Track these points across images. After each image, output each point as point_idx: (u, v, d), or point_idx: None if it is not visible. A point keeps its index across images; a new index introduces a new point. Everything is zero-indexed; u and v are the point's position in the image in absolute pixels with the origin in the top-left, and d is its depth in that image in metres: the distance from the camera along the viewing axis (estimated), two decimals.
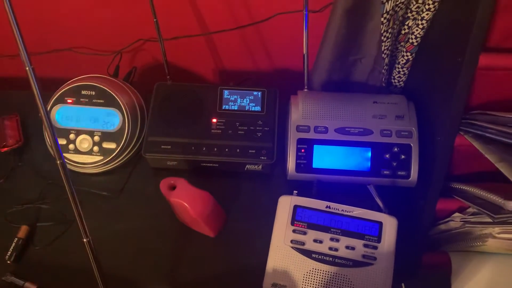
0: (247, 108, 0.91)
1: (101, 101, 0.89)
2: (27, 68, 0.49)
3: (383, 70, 0.94)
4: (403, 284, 0.81)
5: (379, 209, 0.79)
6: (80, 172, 0.91)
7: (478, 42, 0.66)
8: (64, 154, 0.89)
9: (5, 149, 0.94)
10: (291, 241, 0.77)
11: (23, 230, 0.85)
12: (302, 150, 0.85)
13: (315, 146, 0.85)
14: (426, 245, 0.89)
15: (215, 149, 0.87)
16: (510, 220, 0.77)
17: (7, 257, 0.82)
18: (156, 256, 0.83)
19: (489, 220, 0.79)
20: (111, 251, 0.80)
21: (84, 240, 0.61)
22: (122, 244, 0.84)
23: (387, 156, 0.84)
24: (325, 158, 0.85)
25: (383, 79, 0.96)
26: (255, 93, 0.92)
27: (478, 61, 0.67)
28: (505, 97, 0.72)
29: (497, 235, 0.81)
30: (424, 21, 0.82)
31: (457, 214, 0.83)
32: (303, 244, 0.77)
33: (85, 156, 0.89)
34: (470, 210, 0.82)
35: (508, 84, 0.71)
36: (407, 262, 0.81)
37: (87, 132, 0.89)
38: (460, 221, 0.83)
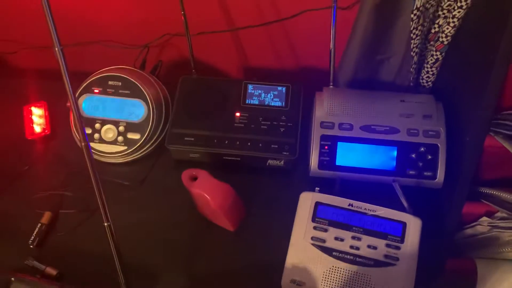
0: (271, 103, 0.90)
1: (127, 92, 0.90)
2: (56, 49, 0.50)
3: (411, 69, 0.92)
4: None
5: (403, 209, 0.78)
6: (104, 161, 0.92)
7: None
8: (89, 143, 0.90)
9: (32, 137, 0.96)
10: (312, 238, 0.75)
11: (46, 216, 0.86)
12: (326, 147, 0.84)
13: (339, 143, 0.84)
14: (451, 249, 0.86)
15: (238, 143, 0.87)
16: None
17: (30, 241, 0.83)
18: (175, 247, 0.83)
19: None
20: (131, 240, 0.80)
21: (105, 224, 0.61)
22: (142, 234, 0.85)
23: (413, 155, 0.82)
24: (349, 155, 0.84)
25: (411, 78, 0.94)
26: (279, 88, 0.91)
27: (511, 59, 0.65)
28: None
29: None
30: (455, 19, 0.80)
31: (484, 218, 0.81)
32: (324, 241, 0.75)
33: (109, 145, 0.90)
34: (499, 214, 0.80)
35: None
36: (430, 266, 0.78)
37: (112, 122, 0.90)
38: (488, 226, 0.81)
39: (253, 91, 0.91)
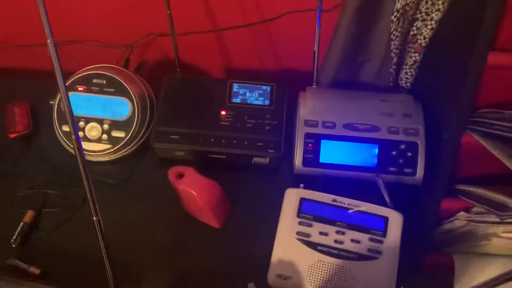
0: (256, 102, 0.92)
1: (112, 90, 0.90)
2: (48, 41, 0.50)
3: (391, 70, 0.95)
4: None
5: (385, 205, 0.80)
6: (88, 160, 0.91)
7: (487, 41, 0.67)
8: None
9: (14, 135, 0.95)
10: (297, 233, 0.77)
11: (29, 215, 0.85)
12: (310, 145, 0.86)
13: (322, 141, 0.86)
14: (429, 245, 0.89)
15: (223, 141, 0.87)
16: None
17: (12, 241, 0.82)
18: (161, 244, 0.83)
19: (494, 219, 0.79)
20: (117, 239, 0.79)
21: (94, 218, 0.61)
22: (128, 232, 0.84)
23: (394, 153, 0.85)
24: (332, 153, 0.86)
25: (391, 79, 0.97)
26: (264, 87, 0.93)
27: (486, 59, 0.68)
28: None
29: (501, 234, 0.81)
30: (433, 22, 0.84)
31: (462, 213, 0.83)
32: (309, 236, 0.77)
33: (93, 144, 0.90)
34: (475, 209, 0.83)
35: None
36: (410, 261, 0.81)
37: (97, 120, 0.90)
38: (465, 220, 0.83)
39: (238, 90, 0.92)
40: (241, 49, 1.11)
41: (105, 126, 0.90)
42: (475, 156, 0.77)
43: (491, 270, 0.85)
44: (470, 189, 0.82)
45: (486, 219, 0.81)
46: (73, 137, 0.55)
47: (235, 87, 0.93)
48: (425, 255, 0.85)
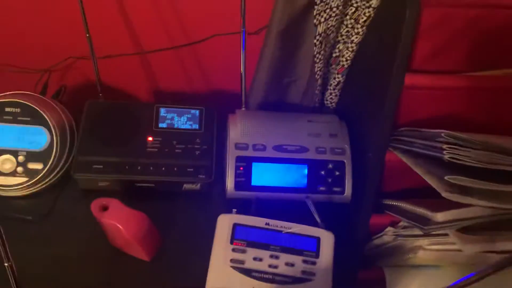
0: (184, 126, 0.90)
1: (27, 119, 0.84)
2: None
3: (316, 91, 0.97)
4: None
5: (316, 225, 0.81)
6: (2, 195, 0.84)
7: (403, 63, 0.71)
8: None
9: None
10: (231, 260, 0.75)
11: None
12: (241, 168, 0.85)
13: (253, 163, 0.85)
14: (361, 261, 0.90)
15: (151, 168, 0.84)
16: (438, 232, 0.81)
17: None
18: (88, 282, 0.78)
19: (419, 232, 0.82)
20: (36, 279, 0.74)
21: (6, 264, 0.56)
22: (49, 271, 0.78)
23: (323, 172, 0.87)
24: (264, 175, 0.86)
25: (317, 99, 0.99)
26: (192, 111, 0.91)
27: (403, 80, 0.72)
28: (428, 114, 0.77)
29: (426, 247, 0.85)
30: (353, 45, 0.87)
31: (389, 228, 0.86)
32: (243, 262, 0.75)
33: (7, 177, 0.83)
34: (402, 223, 0.86)
35: (431, 102, 0.76)
36: (343, 279, 0.82)
37: (11, 152, 0.83)
38: (393, 235, 0.86)
39: (165, 115, 0.90)
40: (168, 72, 1.09)
41: (20, 158, 0.83)
42: (399, 172, 0.81)
43: (419, 281, 0.88)
44: (396, 204, 0.85)
45: (412, 233, 0.84)
46: None
47: (162, 111, 0.90)
48: (357, 271, 0.87)
